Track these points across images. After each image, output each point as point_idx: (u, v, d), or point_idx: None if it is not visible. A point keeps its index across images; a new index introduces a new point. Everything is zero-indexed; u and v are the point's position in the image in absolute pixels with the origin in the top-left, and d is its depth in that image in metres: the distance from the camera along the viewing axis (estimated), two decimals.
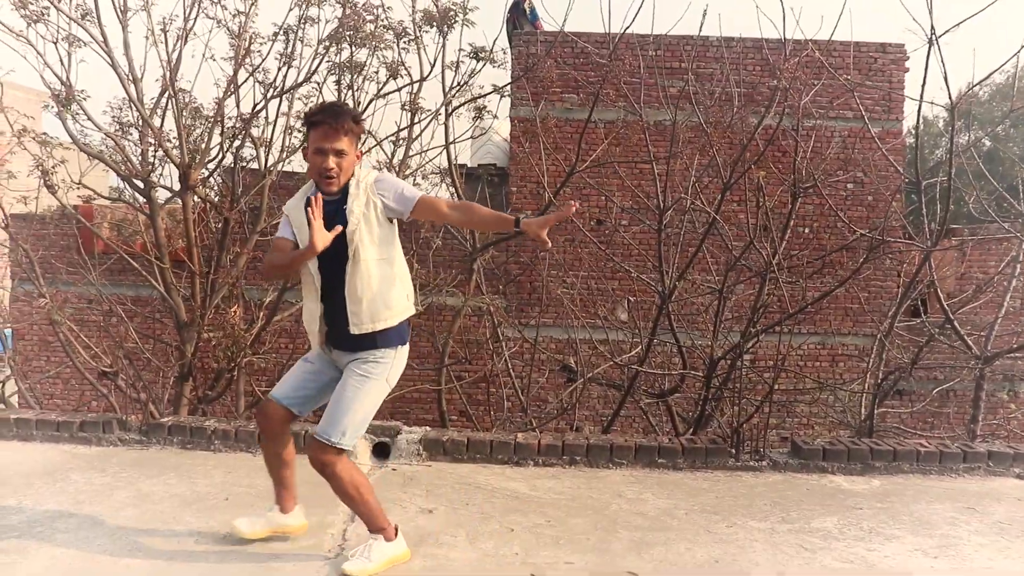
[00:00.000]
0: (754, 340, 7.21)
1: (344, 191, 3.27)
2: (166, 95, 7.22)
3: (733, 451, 5.00)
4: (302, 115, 7.82)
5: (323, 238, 3.11)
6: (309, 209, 3.14)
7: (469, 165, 12.94)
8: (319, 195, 3.20)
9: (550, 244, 3.08)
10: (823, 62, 8.13)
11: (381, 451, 4.97)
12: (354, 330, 3.26)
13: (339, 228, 3.17)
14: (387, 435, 4.99)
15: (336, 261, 3.25)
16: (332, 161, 3.21)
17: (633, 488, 4.55)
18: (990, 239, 10.48)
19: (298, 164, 8.59)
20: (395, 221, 3.37)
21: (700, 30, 7.83)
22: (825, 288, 9.04)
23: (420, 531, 3.81)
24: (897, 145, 13.60)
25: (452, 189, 8.62)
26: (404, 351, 3.47)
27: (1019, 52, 6.82)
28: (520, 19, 13.14)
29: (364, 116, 7.53)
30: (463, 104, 7.45)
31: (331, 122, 3.19)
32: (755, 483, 4.72)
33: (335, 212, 3.23)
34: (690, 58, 11.71)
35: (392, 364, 3.39)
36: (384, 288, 3.29)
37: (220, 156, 7.54)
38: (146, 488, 4.31)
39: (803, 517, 4.14)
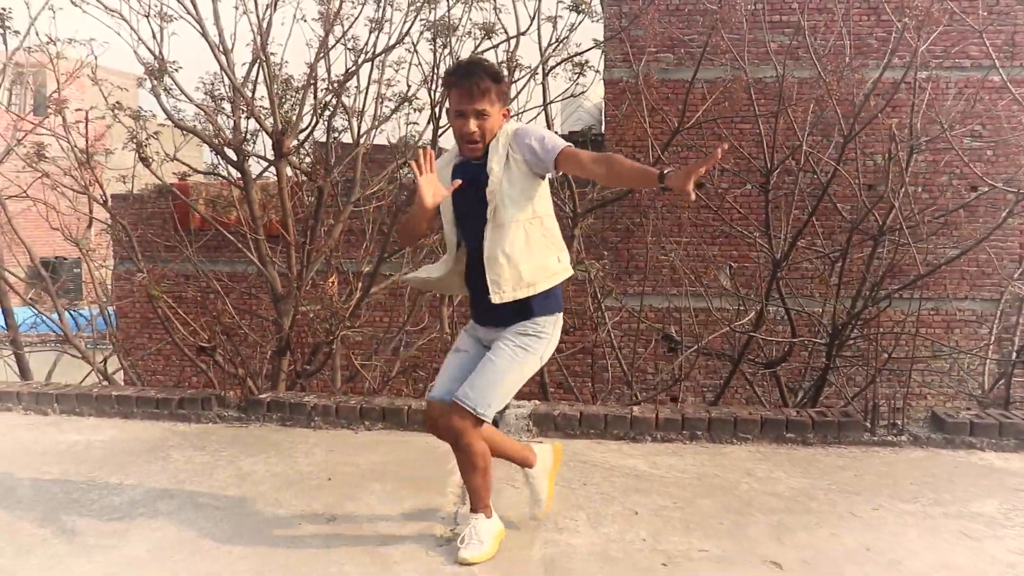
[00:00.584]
0: (886, 305, 6.72)
1: (485, 155, 3.04)
2: (256, 63, 7.08)
3: (868, 424, 4.58)
4: (394, 83, 7.60)
5: (432, 191, 2.94)
6: (415, 163, 2.96)
7: (559, 132, 12.57)
8: (429, 151, 3.00)
9: (694, 198, 2.64)
10: (948, 2, 7.51)
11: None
12: (495, 299, 2.97)
13: (458, 182, 3.01)
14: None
15: (477, 224, 3.03)
16: (473, 124, 2.97)
17: (762, 466, 4.18)
18: None
19: (391, 134, 8.40)
20: (544, 176, 3.07)
21: None
22: (943, 250, 8.47)
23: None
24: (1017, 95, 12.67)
25: None
26: (560, 321, 3.18)
27: None
28: None
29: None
30: (562, 62, 7.12)
31: (466, 82, 2.95)
32: (895, 460, 4.30)
33: (479, 174, 3.01)
34: (797, 9, 11.08)
35: (551, 338, 3.12)
36: (531, 251, 3.00)
37: (312, 124, 7.38)
38: (246, 467, 4.15)
39: (958, 499, 3.71)
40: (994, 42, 12.19)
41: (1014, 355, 7.36)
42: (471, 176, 3.02)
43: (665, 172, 2.65)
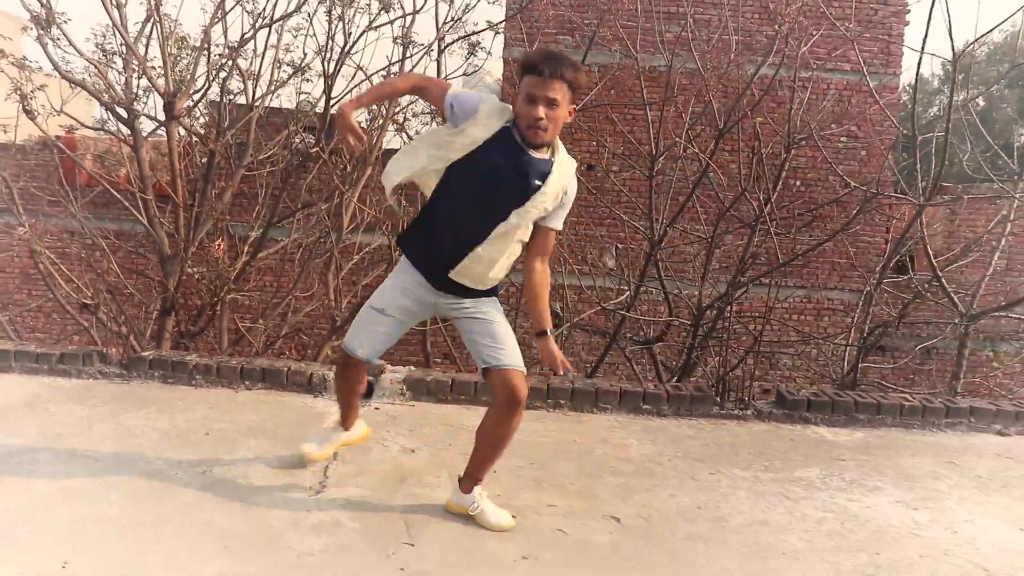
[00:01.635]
0: (742, 290, 7.19)
1: (544, 159, 3.04)
2: (151, 21, 7.03)
3: (718, 399, 4.99)
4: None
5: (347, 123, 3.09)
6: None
7: None
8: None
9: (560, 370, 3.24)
10: (824, 10, 8.00)
11: (365, 390, 4.92)
12: (454, 278, 3.14)
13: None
14: (371, 374, 4.95)
15: (487, 208, 3.04)
16: (543, 110, 2.90)
17: (618, 433, 4.54)
18: (982, 198, 10.45)
19: (287, 99, 8.43)
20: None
21: None
22: (814, 242, 9.03)
23: (402, 470, 3.79)
24: (892, 100, 13.48)
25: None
26: None
27: (1021, 9, 6.73)
28: None
29: (362, 58, 7.34)
30: (457, 40, 7.29)
31: (549, 69, 2.89)
32: (740, 432, 4.72)
33: (528, 166, 2.99)
34: (688, 2, 11.50)
35: None
36: (507, 263, 3.17)
37: (206, 86, 7.38)
38: (126, 422, 4.25)
39: (787, 467, 4.14)
40: (871, 50, 12.96)
41: (863, 342, 7.94)
42: (515, 160, 2.98)
43: (543, 332, 3.22)
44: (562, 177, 3.05)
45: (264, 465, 3.74)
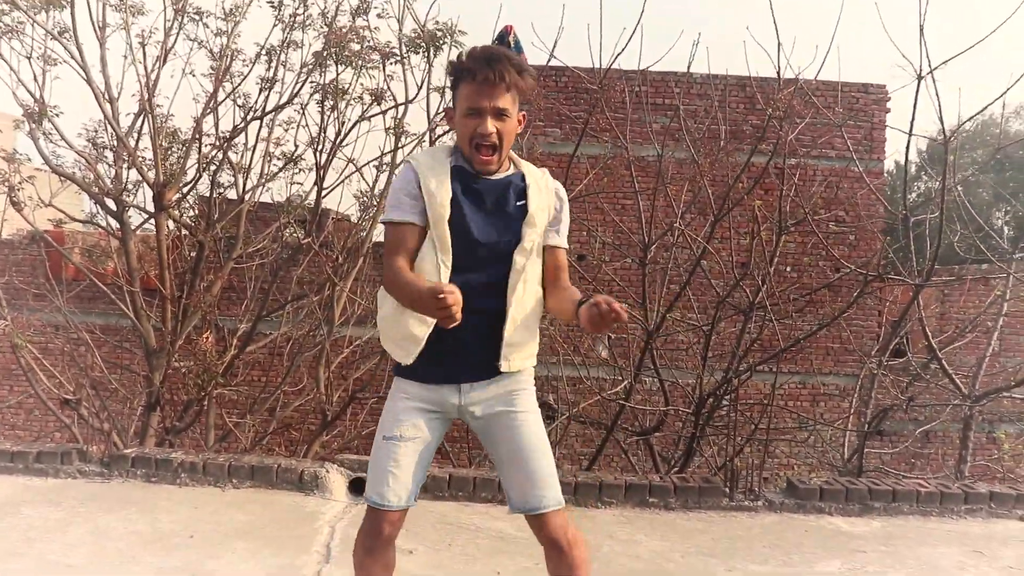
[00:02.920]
0: (746, 376, 7.04)
1: (508, 176, 2.48)
2: (142, 115, 7.03)
3: (727, 490, 4.79)
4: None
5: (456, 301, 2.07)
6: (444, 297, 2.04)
7: None
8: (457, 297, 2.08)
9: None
10: (811, 97, 8.09)
11: (357, 487, 4.71)
12: (503, 366, 2.43)
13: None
14: (364, 470, 4.73)
15: (492, 264, 2.43)
16: (491, 124, 2.34)
17: (624, 529, 4.32)
18: (978, 278, 10.44)
19: (277, 193, 8.40)
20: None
21: (690, 65, 7.77)
22: (808, 327, 8.94)
23: (400, 573, 3.55)
24: (879, 185, 13.61)
25: None
26: None
27: (1006, 93, 6.80)
28: None
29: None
30: (449, 131, 7.28)
31: (487, 71, 2.32)
32: (751, 524, 4.50)
33: (501, 192, 2.44)
34: (678, 93, 11.70)
35: None
36: (534, 314, 2.51)
37: (196, 178, 7.34)
38: (104, 524, 4.02)
39: (805, 561, 3.92)
40: (854, 136, 13.15)
41: (866, 427, 7.78)
42: (487, 193, 2.44)
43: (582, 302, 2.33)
44: (540, 190, 2.50)
45: (254, 570, 3.51)
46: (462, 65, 2.39)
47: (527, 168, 2.53)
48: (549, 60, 7.39)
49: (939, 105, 6.42)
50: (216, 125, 7.39)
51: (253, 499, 4.54)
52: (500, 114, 2.35)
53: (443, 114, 2.23)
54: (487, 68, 2.32)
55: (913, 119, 6.69)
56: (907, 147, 6.93)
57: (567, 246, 2.59)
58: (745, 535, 4.31)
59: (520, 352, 2.47)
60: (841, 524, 4.55)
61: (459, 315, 2.09)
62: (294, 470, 4.71)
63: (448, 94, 5.64)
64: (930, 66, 6.35)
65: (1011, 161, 28.26)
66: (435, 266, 2.36)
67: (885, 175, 14.67)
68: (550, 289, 2.53)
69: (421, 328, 2.39)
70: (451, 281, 2.30)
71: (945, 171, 6.72)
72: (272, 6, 6.99)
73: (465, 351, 2.43)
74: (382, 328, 2.53)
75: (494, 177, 2.45)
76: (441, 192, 2.37)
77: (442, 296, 2.04)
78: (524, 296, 2.44)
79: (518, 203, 2.45)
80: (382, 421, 2.54)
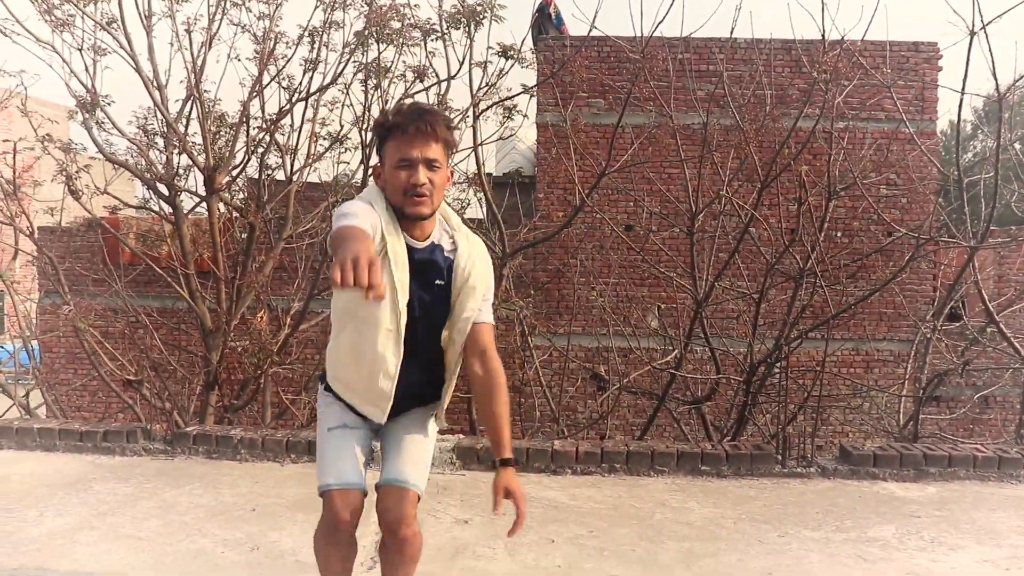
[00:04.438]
0: (797, 343, 6.99)
1: (433, 243, 2.47)
2: (190, 100, 7.15)
3: (779, 457, 4.79)
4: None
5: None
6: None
7: (494, 173, 12.80)
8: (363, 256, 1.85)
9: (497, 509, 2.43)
10: (859, 58, 7.93)
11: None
12: (437, 424, 2.69)
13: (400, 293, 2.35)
14: None
15: (429, 326, 2.49)
16: (424, 174, 2.33)
17: (676, 496, 4.35)
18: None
19: (324, 172, 8.51)
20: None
21: (732, 30, 7.65)
22: (860, 292, 8.82)
23: (456, 542, 3.64)
24: (931, 146, 13.31)
25: (480, 194, 8.48)
26: None
27: None
28: (546, 24, 13.01)
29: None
30: (492, 105, 7.30)
31: (418, 123, 2.33)
32: (804, 490, 4.50)
33: (428, 262, 2.43)
34: (722, 59, 11.55)
35: None
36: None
37: (245, 161, 7.45)
38: (170, 498, 4.16)
39: (858, 526, 3.92)
40: (905, 96, 12.85)
41: (922, 393, 7.67)
42: (419, 263, 2.42)
43: (505, 462, 2.44)
44: (469, 249, 2.49)
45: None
46: (390, 121, 2.39)
47: (459, 235, 2.51)
48: (590, 31, 7.35)
49: (993, 61, 6.26)
50: (262, 107, 7.49)
51: (311, 473, 4.62)
52: (431, 165, 2.35)
53: (372, 171, 2.16)
54: (417, 120, 2.33)
55: (966, 77, 6.53)
56: (959, 106, 6.74)
57: (492, 321, 2.57)
58: (797, 501, 4.31)
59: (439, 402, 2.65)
60: (895, 490, 4.53)
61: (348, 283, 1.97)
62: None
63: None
64: (983, 21, 6.18)
65: None
66: (380, 322, 2.36)
67: (938, 136, 14.32)
68: (477, 374, 2.52)
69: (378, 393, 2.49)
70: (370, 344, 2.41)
71: (1000, 128, 6.55)
72: None
73: (397, 406, 2.53)
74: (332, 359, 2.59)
75: (422, 244, 2.42)
76: (401, 257, 2.36)
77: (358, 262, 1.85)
78: (453, 366, 2.57)
79: (437, 281, 2.44)
80: (320, 420, 2.64)
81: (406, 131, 2.33)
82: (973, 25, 6.23)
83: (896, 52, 13.02)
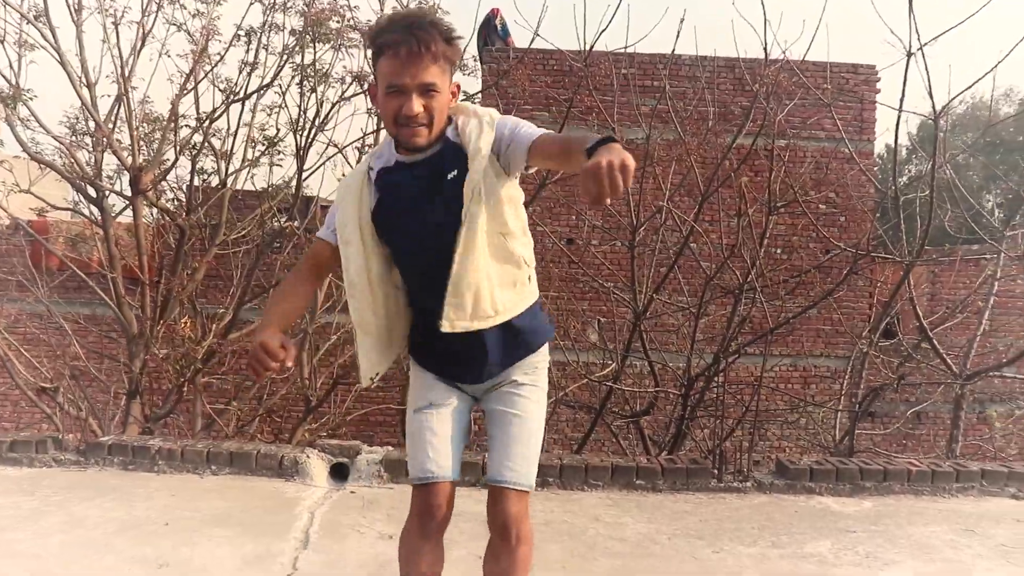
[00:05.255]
0: (735, 357, 6.97)
1: (438, 146, 2.19)
2: (117, 97, 6.90)
3: (716, 471, 4.72)
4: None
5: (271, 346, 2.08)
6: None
7: None
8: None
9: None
10: (801, 76, 7.98)
11: (339, 472, 4.63)
12: (445, 326, 2.20)
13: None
14: (346, 455, 4.65)
15: (435, 241, 2.18)
16: (417, 103, 2.07)
17: (611, 512, 4.24)
18: (968, 258, 10.40)
19: (261, 179, 8.31)
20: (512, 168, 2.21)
21: (675, 47, 7.65)
22: (799, 308, 8.88)
23: (380, 558, 3.48)
24: (869, 166, 13.52)
25: None
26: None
27: (995, 68, 6.72)
28: (491, 35, 12.92)
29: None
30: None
31: (409, 42, 2.04)
32: (740, 505, 4.43)
33: (434, 169, 2.19)
34: (665, 75, 11.60)
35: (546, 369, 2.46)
36: (499, 268, 2.23)
37: (174, 161, 7.20)
38: (79, 512, 3.92)
39: (794, 541, 3.85)
40: (844, 117, 13.05)
41: (858, 408, 7.71)
42: (417, 177, 2.20)
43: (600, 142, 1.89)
44: (479, 130, 2.17)
45: (229, 556, 3.42)
46: (380, 34, 2.12)
47: (462, 120, 2.21)
48: (533, 39, 7.29)
49: (929, 82, 6.33)
50: (196, 106, 7.25)
51: (232, 485, 4.45)
52: (427, 90, 2.09)
53: (367, 90, 1.94)
54: (409, 37, 2.04)
55: (903, 96, 6.62)
56: (897, 124, 6.82)
57: (539, 130, 2.17)
58: (733, 516, 4.23)
59: (468, 310, 2.19)
60: (832, 504, 4.48)
61: (261, 375, 2.18)
62: (274, 456, 4.62)
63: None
64: (920, 42, 6.26)
65: (1002, 143, 28.29)
66: (386, 281, 2.28)
67: (875, 157, 14.58)
68: (545, 150, 2.11)
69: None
70: (409, 288, 2.30)
71: (936, 147, 6.62)
72: None
73: (455, 360, 2.33)
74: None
75: (423, 156, 2.20)
76: (351, 217, 2.25)
77: (261, 355, 2.07)
78: (475, 254, 2.16)
79: (449, 176, 2.17)
80: (409, 398, 2.45)
81: (397, 51, 2.06)
82: (910, 46, 6.31)
83: (836, 73, 13.21)
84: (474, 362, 2.31)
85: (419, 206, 2.20)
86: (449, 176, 2.16)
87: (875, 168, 14.10)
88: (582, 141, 1.92)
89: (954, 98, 6.44)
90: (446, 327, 2.19)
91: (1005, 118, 18.24)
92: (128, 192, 7.27)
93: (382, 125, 6.93)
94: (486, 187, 2.13)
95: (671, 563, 3.55)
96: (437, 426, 2.32)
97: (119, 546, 3.50)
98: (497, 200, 2.17)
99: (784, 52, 7.16)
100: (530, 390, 2.35)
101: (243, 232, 8.04)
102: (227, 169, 7.65)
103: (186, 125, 7.18)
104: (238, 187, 7.86)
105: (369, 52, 2.26)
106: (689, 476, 4.66)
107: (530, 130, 2.16)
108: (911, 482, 4.66)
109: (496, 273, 2.21)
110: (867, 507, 4.44)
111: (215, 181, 7.88)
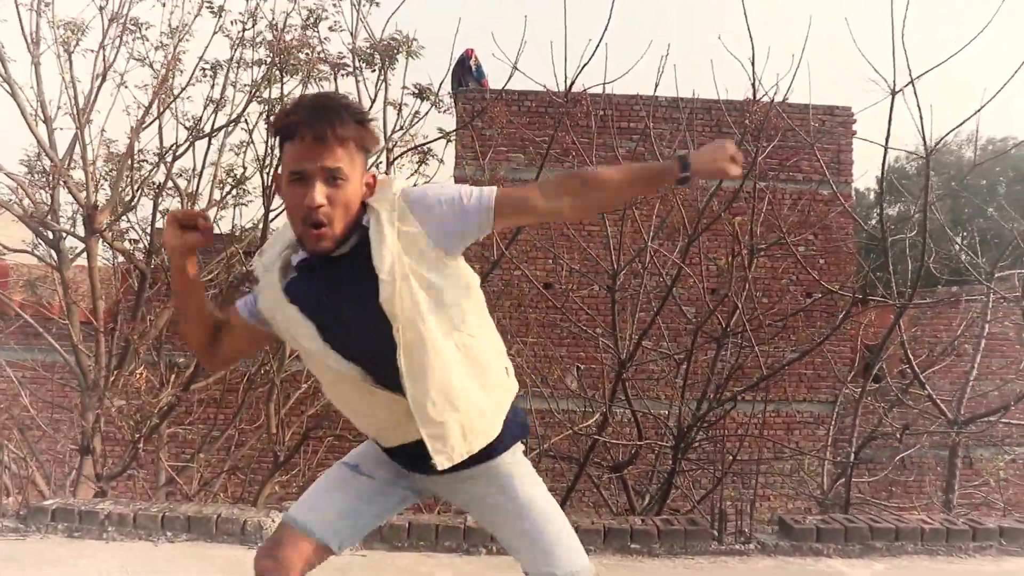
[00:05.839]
0: (731, 406, 6.70)
1: (355, 239, 1.92)
2: (75, 132, 6.58)
3: (715, 532, 4.38)
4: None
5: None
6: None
7: None
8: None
9: (736, 172, 1.97)
10: (783, 115, 7.82)
11: None
12: (440, 463, 1.93)
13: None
14: None
15: (379, 351, 1.90)
16: (320, 194, 1.83)
17: None
18: (953, 301, 10.26)
19: (227, 222, 7.99)
20: (459, 248, 1.99)
21: (657, 84, 7.49)
22: (782, 353, 8.65)
23: None
24: (850, 207, 13.46)
25: None
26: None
27: (984, 107, 6.57)
28: (466, 76, 12.77)
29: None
30: (406, 151, 6.87)
31: (316, 124, 1.82)
32: (744, 570, 4.10)
33: (347, 272, 1.92)
34: (643, 117, 11.48)
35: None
36: (471, 374, 1.97)
37: (134, 199, 6.84)
38: None
39: None
40: (823, 159, 12.99)
41: (852, 457, 7.43)
42: (334, 279, 1.94)
43: (686, 159, 1.93)
44: (381, 228, 1.88)
45: None
46: (286, 118, 1.89)
47: (372, 217, 1.91)
48: (512, 74, 7.05)
49: (920, 119, 6.15)
50: (160, 140, 6.93)
51: (189, 554, 4.05)
52: (332, 177, 1.84)
53: (272, 184, 1.77)
54: (315, 119, 1.82)
55: (888, 134, 6.45)
56: (883, 159, 6.65)
57: (494, 194, 1.94)
58: None
59: (458, 436, 1.94)
60: (841, 567, 4.16)
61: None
62: (236, 520, 4.22)
63: None
64: (910, 75, 6.09)
65: (967, 187, 28.59)
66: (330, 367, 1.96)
67: (853, 199, 14.55)
68: (557, 208, 1.98)
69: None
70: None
71: (927, 185, 6.44)
72: (213, 13, 6.56)
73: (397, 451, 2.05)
74: None
75: (337, 254, 1.92)
76: (268, 286, 1.99)
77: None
78: (425, 370, 1.89)
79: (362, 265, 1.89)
80: (353, 451, 2.21)
81: (302, 135, 1.82)
82: (894, 84, 6.16)
83: (814, 115, 13.18)
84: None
85: (340, 321, 1.93)
86: (362, 280, 1.89)
87: (855, 209, 14.04)
88: (650, 165, 2.12)
89: (946, 135, 6.26)
90: (445, 464, 1.94)
91: (993, 156, 18.48)
92: (83, 232, 6.91)
93: None
94: (421, 289, 1.88)
95: None
96: (346, 487, 2.11)
97: None
98: (443, 288, 1.92)
99: (768, 92, 7.01)
100: (528, 477, 2.12)
101: (209, 276, 7.70)
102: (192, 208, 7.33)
103: (144, 161, 6.85)
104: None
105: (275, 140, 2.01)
106: (687, 538, 4.32)
107: (480, 196, 1.93)
108: (925, 541, 4.35)
109: (469, 383, 1.95)
110: (879, 569, 4.12)
111: None
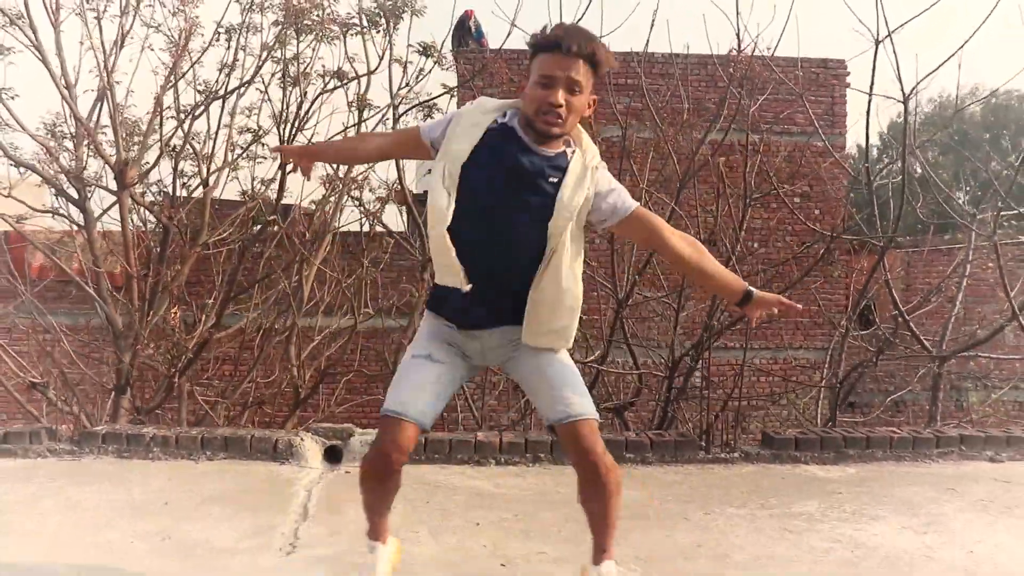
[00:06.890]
0: (719, 335, 7.07)
1: (561, 148, 2.45)
2: (102, 99, 6.92)
3: (703, 444, 4.82)
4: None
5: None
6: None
7: (414, 190, 12.69)
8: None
9: (754, 323, 2.71)
10: (771, 64, 8.11)
11: (333, 455, 4.67)
12: (527, 339, 2.51)
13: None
14: (339, 437, 4.71)
15: (503, 230, 2.42)
16: (562, 95, 2.30)
17: None
18: (940, 248, 10.60)
19: (243, 182, 8.32)
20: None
21: (648, 39, 7.77)
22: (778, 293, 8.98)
23: None
24: (843, 157, 13.73)
25: (403, 208, 8.44)
26: None
27: (960, 49, 6.84)
28: (465, 37, 13.02)
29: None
30: (411, 108, 7.22)
31: (572, 44, 2.29)
32: (728, 474, 4.53)
33: (540, 169, 2.40)
34: (639, 73, 11.74)
35: None
36: (575, 293, 2.50)
37: (159, 156, 7.21)
38: (76, 496, 3.95)
39: (782, 503, 3.95)
40: (816, 111, 13.26)
41: (839, 388, 7.84)
42: (527, 160, 2.40)
43: (754, 292, 2.52)
44: (580, 169, 2.42)
45: (229, 529, 3.47)
46: (544, 35, 2.37)
47: (578, 151, 2.46)
48: (510, 32, 7.35)
49: (898, 67, 6.46)
50: (176, 103, 7.28)
51: (227, 469, 4.49)
52: (573, 86, 2.32)
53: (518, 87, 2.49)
54: (568, 39, 2.30)
55: (872, 82, 6.75)
56: (868, 107, 6.95)
57: (635, 204, 2.53)
58: (722, 484, 4.33)
59: (545, 327, 2.49)
60: (817, 471, 4.59)
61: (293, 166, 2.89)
62: (268, 440, 4.67)
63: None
64: (888, 28, 6.39)
65: (969, 141, 28.71)
66: (444, 204, 2.39)
67: (846, 151, 14.82)
68: (672, 248, 2.51)
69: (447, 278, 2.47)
70: (453, 232, 2.41)
71: (905, 130, 6.78)
72: None
73: (475, 307, 2.49)
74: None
75: (545, 150, 2.41)
76: (462, 141, 2.41)
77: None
78: (548, 284, 2.44)
79: (552, 180, 2.40)
80: (412, 344, 2.64)
81: (554, 48, 2.32)
82: (878, 34, 6.46)
83: (806, 68, 13.43)
84: (493, 317, 2.54)
85: (509, 185, 2.40)
86: (550, 179, 2.40)
87: (848, 161, 14.31)
88: (726, 284, 2.56)
89: (921, 80, 6.55)
90: (530, 341, 2.50)
91: (973, 102, 18.68)
92: (111, 195, 7.27)
93: (364, 118, 7.00)
94: (575, 226, 2.43)
95: (664, 523, 3.63)
96: (426, 374, 2.52)
97: (120, 524, 3.53)
98: (578, 234, 2.47)
99: (755, 41, 7.29)
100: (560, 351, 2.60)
101: (224, 234, 8.04)
102: (208, 170, 7.67)
103: (172, 117, 7.19)
104: (218, 193, 7.88)
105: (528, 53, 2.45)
106: (677, 449, 4.75)
107: (627, 199, 2.50)
108: (893, 448, 4.78)
109: (571, 299, 2.49)
110: (851, 472, 4.55)
111: (195, 184, 7.91)
